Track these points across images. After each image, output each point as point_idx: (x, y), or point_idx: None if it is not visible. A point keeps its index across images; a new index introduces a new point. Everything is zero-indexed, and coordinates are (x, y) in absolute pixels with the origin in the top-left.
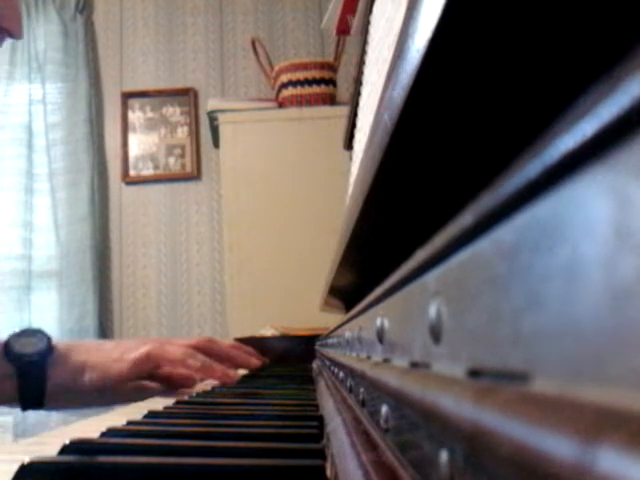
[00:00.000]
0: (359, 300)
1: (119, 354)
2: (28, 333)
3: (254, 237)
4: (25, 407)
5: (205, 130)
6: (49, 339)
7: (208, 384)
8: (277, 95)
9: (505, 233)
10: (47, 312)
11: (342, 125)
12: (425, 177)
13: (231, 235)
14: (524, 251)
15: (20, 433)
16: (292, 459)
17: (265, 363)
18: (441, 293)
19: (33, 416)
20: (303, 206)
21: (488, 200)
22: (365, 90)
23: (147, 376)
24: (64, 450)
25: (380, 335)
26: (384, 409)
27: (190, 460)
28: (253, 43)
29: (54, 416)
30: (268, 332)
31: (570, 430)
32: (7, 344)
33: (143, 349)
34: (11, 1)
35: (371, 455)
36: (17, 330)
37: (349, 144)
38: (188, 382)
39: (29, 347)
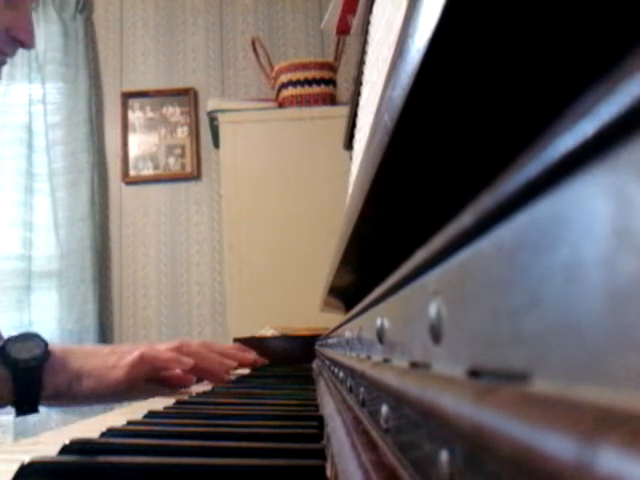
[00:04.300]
0: (359, 300)
1: (115, 360)
2: (25, 337)
3: (254, 237)
4: (19, 412)
5: (205, 130)
6: (46, 344)
7: (208, 384)
8: (277, 95)
9: (505, 233)
10: (47, 312)
11: (342, 125)
12: (425, 177)
13: (231, 235)
14: (524, 251)
15: (20, 433)
16: (292, 459)
17: (264, 363)
18: (441, 293)
19: (33, 416)
20: (303, 206)
21: (488, 200)
22: (365, 90)
23: (144, 379)
24: (64, 450)
25: (380, 335)
26: (384, 409)
27: (190, 460)
28: (253, 43)
29: (54, 416)
30: (268, 332)
31: (570, 430)
32: (4, 348)
33: (136, 353)
34: (24, 13)
35: (371, 455)
36: (15, 334)
37: (349, 144)
38: (185, 382)
39: (25, 352)
